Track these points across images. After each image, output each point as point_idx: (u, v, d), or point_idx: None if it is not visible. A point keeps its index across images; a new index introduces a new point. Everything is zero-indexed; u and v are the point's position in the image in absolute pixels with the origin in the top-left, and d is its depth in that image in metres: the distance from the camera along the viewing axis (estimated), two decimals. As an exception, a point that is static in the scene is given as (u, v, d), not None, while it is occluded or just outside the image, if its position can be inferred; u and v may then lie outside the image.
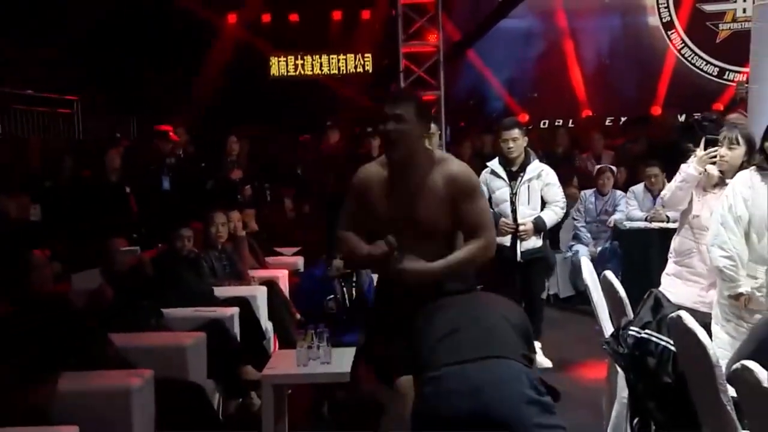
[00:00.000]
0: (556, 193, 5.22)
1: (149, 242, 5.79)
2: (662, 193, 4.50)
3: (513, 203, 5.14)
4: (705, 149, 3.93)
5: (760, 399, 2.09)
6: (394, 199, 2.87)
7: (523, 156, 5.19)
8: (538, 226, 5.14)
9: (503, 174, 5.19)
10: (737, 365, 2.24)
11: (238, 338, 4.66)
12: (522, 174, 5.16)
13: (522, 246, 5.17)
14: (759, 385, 2.08)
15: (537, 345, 5.40)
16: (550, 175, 5.24)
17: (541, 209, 5.21)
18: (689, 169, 4.01)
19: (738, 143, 3.81)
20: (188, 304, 4.65)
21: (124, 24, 9.89)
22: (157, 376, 3.47)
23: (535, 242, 5.21)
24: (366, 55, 11.68)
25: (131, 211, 6.00)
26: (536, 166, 5.20)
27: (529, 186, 5.16)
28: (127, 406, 3.13)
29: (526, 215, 5.15)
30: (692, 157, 4.08)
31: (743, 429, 2.46)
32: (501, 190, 5.18)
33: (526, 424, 2.35)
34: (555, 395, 2.53)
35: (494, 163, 5.26)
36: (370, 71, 11.59)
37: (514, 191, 5.15)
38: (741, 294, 3.48)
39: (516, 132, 5.11)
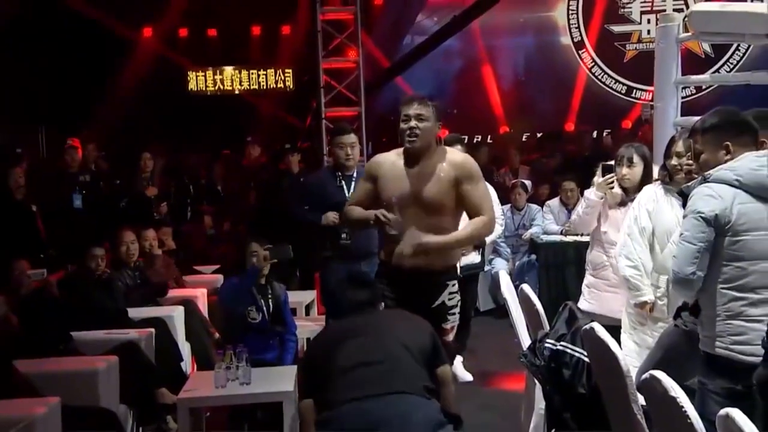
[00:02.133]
0: (495, 209, 5.26)
1: (58, 263, 5.56)
2: (572, 218, 4.76)
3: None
4: (603, 175, 4.19)
5: (668, 407, 2.16)
6: (406, 180, 3.45)
7: None
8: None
9: None
10: (646, 375, 2.31)
11: (154, 360, 4.51)
12: None
13: (461, 261, 5.17)
14: (666, 393, 2.15)
15: (458, 359, 5.45)
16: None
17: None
18: (591, 195, 4.27)
19: (634, 162, 4.07)
20: (101, 327, 4.47)
21: (33, 32, 9.52)
22: (66, 403, 3.32)
23: (474, 258, 5.25)
24: (287, 70, 11.64)
25: (38, 230, 5.73)
26: None
27: None
28: (32, 436, 2.97)
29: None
30: (594, 179, 4.31)
31: (652, 436, 2.54)
32: None
33: None
34: (458, 423, 2.53)
35: None
36: (291, 87, 11.54)
37: None
38: (645, 302, 3.64)
39: (458, 149, 5.12)
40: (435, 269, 3.50)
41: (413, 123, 3.44)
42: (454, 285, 3.61)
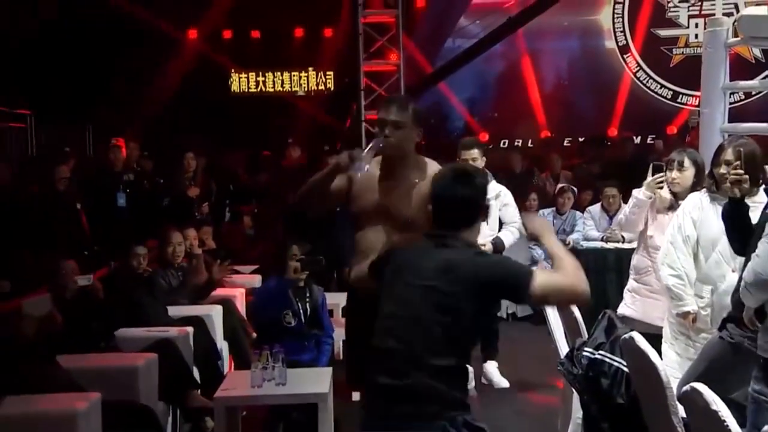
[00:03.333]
0: (513, 213, 5.24)
1: (101, 260, 5.66)
2: (618, 217, 4.66)
3: None
4: (652, 175, 4.12)
5: (709, 421, 2.11)
6: (377, 193, 3.14)
7: None
8: (497, 247, 5.14)
9: None
10: (687, 387, 2.26)
11: (192, 358, 4.57)
12: None
13: None
14: (708, 407, 2.10)
15: (494, 364, 5.42)
16: (507, 195, 5.27)
17: (499, 230, 5.23)
18: (639, 194, 4.21)
19: (685, 166, 3.99)
20: (141, 325, 4.55)
21: (81, 31, 9.73)
22: (106, 399, 3.38)
23: None
24: (328, 72, 11.70)
25: (83, 227, 5.85)
26: (494, 187, 5.22)
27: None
28: (72, 430, 3.03)
29: (484, 235, 5.15)
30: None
31: (693, 450, 2.48)
32: None
33: None
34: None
35: None
36: (332, 89, 11.60)
37: None
38: (688, 312, 3.57)
39: (476, 152, 5.11)
40: None
41: (388, 130, 3.08)
42: None
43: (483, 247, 5.09)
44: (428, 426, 2.33)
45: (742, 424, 2.32)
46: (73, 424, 3.04)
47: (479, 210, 2.61)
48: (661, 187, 4.07)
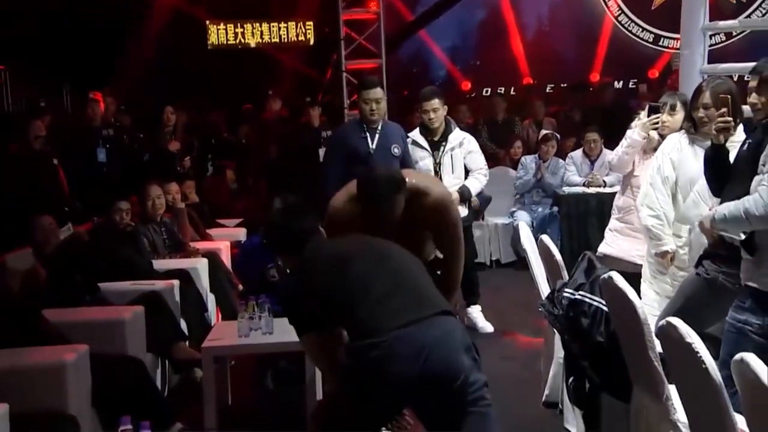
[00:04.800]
0: (478, 160, 5.22)
1: (83, 216, 5.63)
2: (609, 157, 4.76)
3: (437, 173, 5.10)
4: (648, 116, 4.11)
5: (683, 353, 2.17)
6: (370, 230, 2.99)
7: (443, 125, 5.17)
8: (464, 195, 5.14)
9: (425, 144, 5.11)
10: (663, 322, 2.31)
11: (180, 310, 4.60)
12: (444, 143, 5.13)
13: None
14: (682, 340, 2.16)
15: (477, 309, 5.50)
16: (471, 142, 5.24)
17: (465, 178, 5.22)
18: (634, 134, 4.22)
19: (677, 110, 3.99)
20: (127, 279, 4.56)
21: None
22: (94, 351, 3.41)
23: (461, 211, 5.22)
24: (308, 23, 11.50)
25: (60, 183, 5.79)
26: (457, 135, 5.20)
27: (452, 155, 5.13)
28: (61, 381, 3.06)
29: (451, 184, 5.12)
30: (635, 122, 4.25)
31: (670, 383, 2.55)
32: (424, 161, 5.11)
33: (463, 374, 2.49)
34: (476, 350, 2.63)
35: (415, 134, 5.19)
36: (311, 40, 11.44)
37: (438, 161, 5.13)
38: (666, 252, 3.63)
39: (436, 102, 5.06)
40: None
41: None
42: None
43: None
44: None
45: (716, 357, 2.38)
46: (62, 375, 3.07)
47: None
48: (657, 128, 4.08)
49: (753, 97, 2.93)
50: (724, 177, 3.01)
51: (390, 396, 2.54)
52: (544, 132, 7.65)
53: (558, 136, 7.54)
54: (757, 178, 2.68)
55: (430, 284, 2.75)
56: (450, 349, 2.50)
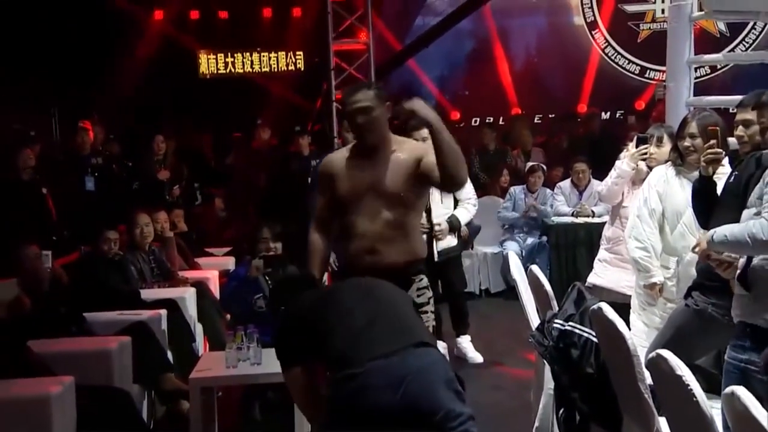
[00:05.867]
0: (468, 190, 5.22)
1: (71, 245, 5.60)
2: (599, 188, 4.77)
3: (427, 203, 5.12)
4: (636, 147, 4.15)
5: (674, 386, 2.17)
6: (360, 174, 3.16)
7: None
8: (453, 225, 5.14)
9: None
10: (653, 354, 2.31)
11: (167, 340, 4.56)
12: None
13: (438, 246, 5.12)
14: (672, 372, 2.15)
15: (467, 339, 5.48)
16: None
17: (454, 207, 5.23)
18: (623, 165, 4.27)
19: (663, 142, 4.03)
20: (113, 308, 4.52)
21: (43, 12, 9.52)
22: (80, 383, 3.37)
23: (450, 241, 5.20)
24: (297, 52, 11.59)
25: (49, 213, 5.77)
26: None
27: None
28: (46, 413, 3.02)
29: (440, 214, 5.12)
30: (624, 153, 4.29)
31: (660, 415, 2.54)
32: None
33: (443, 408, 2.43)
34: (461, 383, 2.59)
35: None
36: (302, 69, 11.51)
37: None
38: (655, 284, 3.65)
39: (425, 132, 5.09)
40: (397, 265, 3.13)
41: (360, 119, 3.15)
42: (421, 280, 3.26)
43: (438, 227, 5.12)
44: None
45: (706, 390, 2.37)
46: (46, 408, 3.03)
47: None
48: (645, 159, 4.12)
49: (740, 130, 2.97)
50: (712, 209, 3.03)
51: (370, 429, 2.47)
52: (530, 164, 7.72)
53: (544, 167, 7.60)
54: (751, 210, 2.69)
55: (414, 316, 2.73)
56: (429, 380, 2.45)
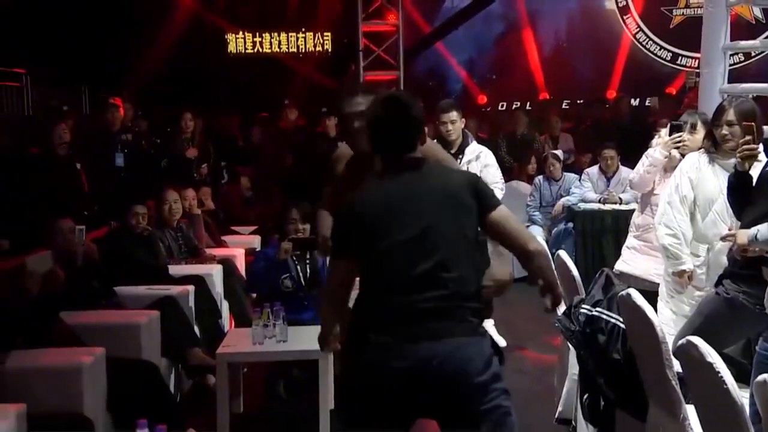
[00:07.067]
0: (494, 174, 5.20)
1: (101, 220, 5.67)
2: (630, 176, 4.72)
3: None
4: (670, 134, 4.10)
5: (703, 373, 2.16)
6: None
7: (461, 138, 5.18)
8: None
9: None
10: (683, 340, 2.30)
11: (194, 316, 4.62)
12: (461, 156, 5.14)
13: None
14: (703, 359, 2.15)
15: (490, 323, 5.48)
16: (488, 156, 5.23)
17: None
18: (656, 153, 4.23)
19: (697, 129, 3.99)
20: (142, 283, 4.59)
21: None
22: (109, 355, 3.43)
23: None
24: (325, 33, 11.59)
25: (82, 187, 5.84)
26: (474, 148, 5.20)
27: (468, 168, 5.14)
28: (78, 383, 3.09)
29: None
30: (655, 141, 4.25)
31: (687, 403, 2.54)
32: None
33: (475, 377, 2.34)
34: (499, 353, 2.52)
35: None
36: (329, 50, 11.51)
37: None
38: (684, 271, 3.61)
39: (454, 114, 5.07)
40: None
41: (357, 124, 2.94)
42: None
43: None
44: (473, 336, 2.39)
45: (736, 378, 2.36)
46: (78, 377, 3.09)
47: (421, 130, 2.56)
48: (678, 147, 4.07)
49: None
50: (747, 201, 3.00)
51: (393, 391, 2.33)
52: (545, 153, 7.69)
53: (559, 155, 7.54)
54: None
55: (468, 261, 2.43)
56: (465, 355, 2.34)
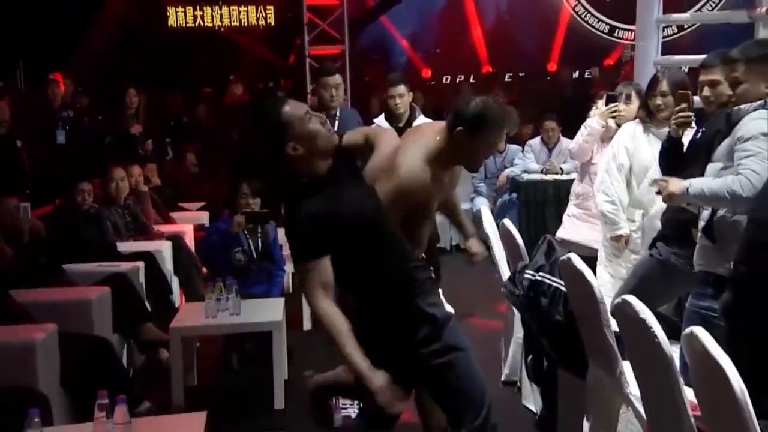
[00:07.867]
0: None
1: (44, 198, 5.58)
2: (570, 146, 4.85)
3: None
4: (606, 105, 4.23)
5: (637, 329, 2.30)
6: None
7: (408, 112, 5.24)
8: None
9: None
10: (618, 299, 2.45)
11: (144, 292, 4.62)
12: (408, 129, 5.22)
13: None
14: (636, 316, 2.29)
15: (438, 291, 5.62)
16: None
17: None
18: (593, 123, 4.34)
19: (632, 99, 4.12)
20: (91, 260, 4.55)
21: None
22: (62, 331, 3.42)
23: None
24: (268, 6, 11.46)
25: (23, 166, 5.73)
26: (422, 120, 5.28)
27: None
28: (31, 359, 3.08)
29: None
30: (593, 111, 4.39)
31: (624, 359, 2.70)
32: None
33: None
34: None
35: (380, 120, 5.24)
36: (272, 24, 11.40)
37: None
38: (621, 236, 3.79)
39: (402, 88, 5.10)
40: None
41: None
42: None
43: None
44: None
45: (668, 336, 2.51)
46: (31, 354, 3.08)
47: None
48: (614, 117, 4.20)
49: (706, 91, 3.08)
50: (678, 167, 3.15)
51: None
52: None
53: None
54: (716, 165, 2.79)
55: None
56: None
